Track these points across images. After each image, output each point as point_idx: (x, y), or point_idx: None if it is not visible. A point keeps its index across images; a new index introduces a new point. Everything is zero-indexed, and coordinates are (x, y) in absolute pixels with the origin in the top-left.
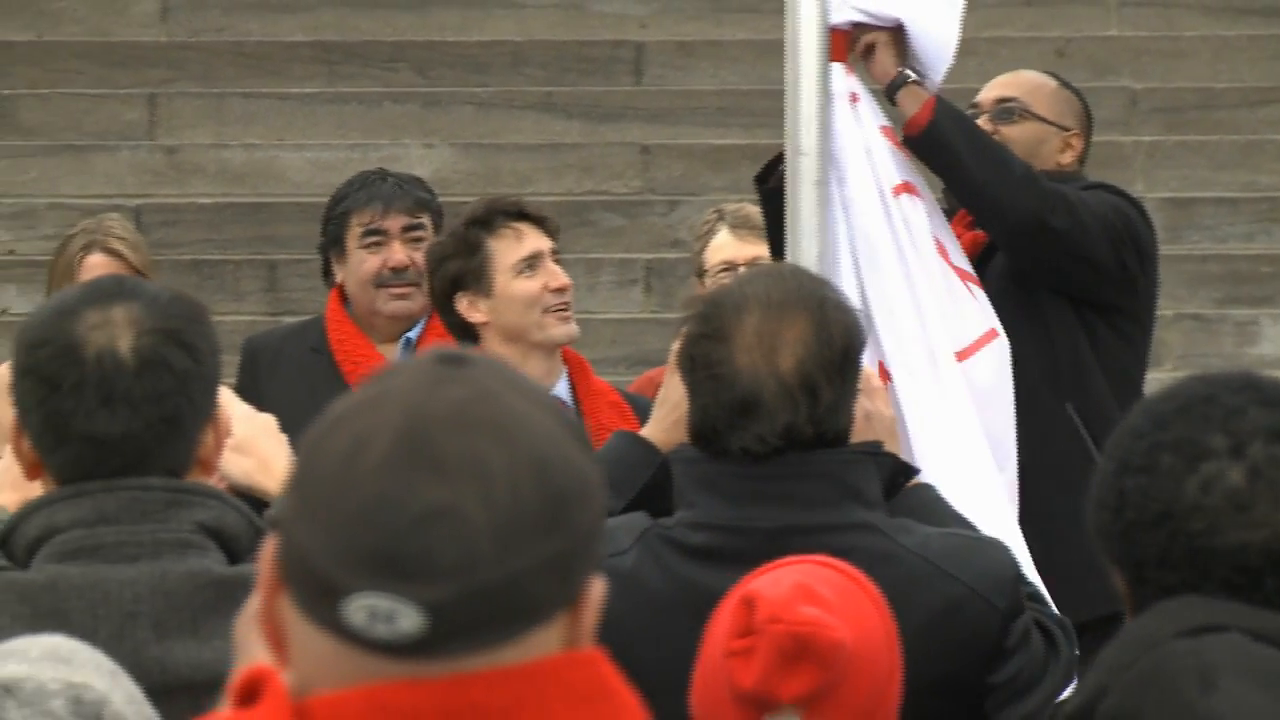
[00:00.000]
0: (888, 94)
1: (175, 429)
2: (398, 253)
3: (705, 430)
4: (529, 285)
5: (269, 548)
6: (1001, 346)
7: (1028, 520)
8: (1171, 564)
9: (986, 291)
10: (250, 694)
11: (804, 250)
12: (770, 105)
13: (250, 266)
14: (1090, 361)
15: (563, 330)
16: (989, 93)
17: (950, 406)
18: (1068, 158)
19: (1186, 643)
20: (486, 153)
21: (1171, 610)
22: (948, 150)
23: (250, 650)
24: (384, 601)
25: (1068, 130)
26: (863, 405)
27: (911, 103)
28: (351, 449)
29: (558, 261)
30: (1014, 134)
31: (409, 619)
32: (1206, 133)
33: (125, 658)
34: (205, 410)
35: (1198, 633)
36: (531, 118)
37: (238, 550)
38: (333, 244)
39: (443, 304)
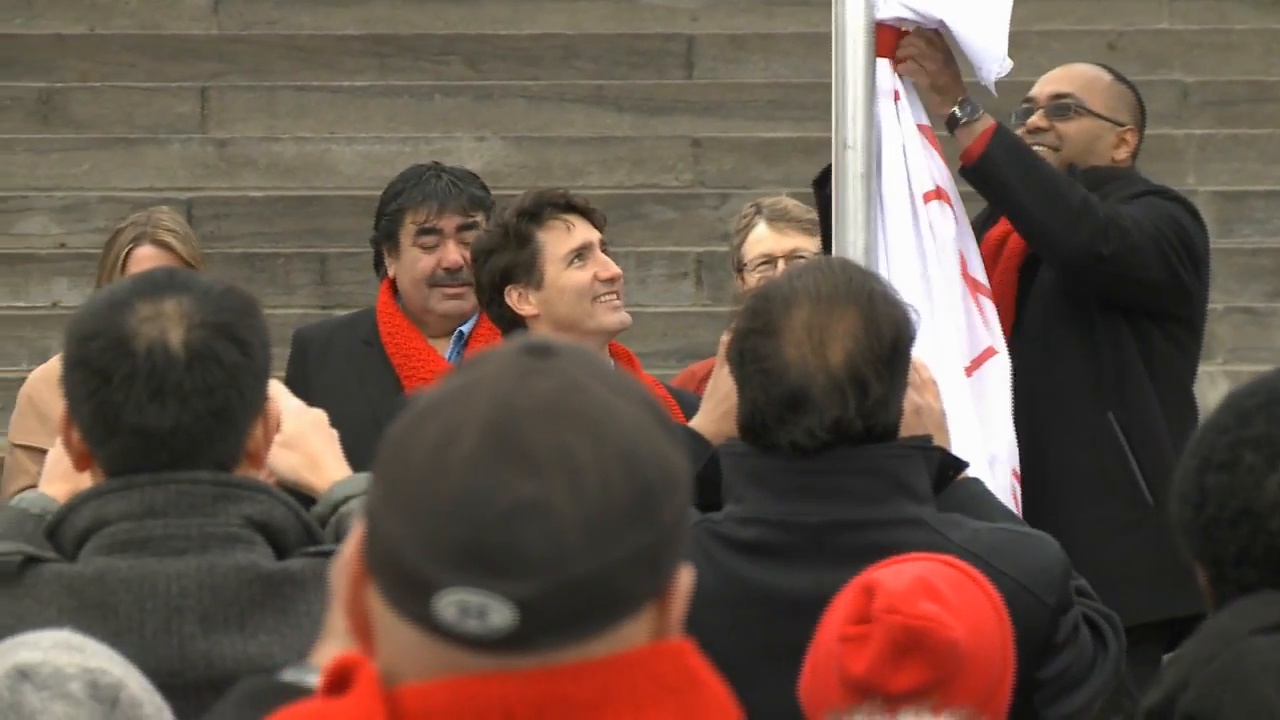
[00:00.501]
0: (946, 125)
1: (224, 422)
2: (452, 253)
3: (754, 424)
4: (580, 276)
5: (355, 538)
6: (1002, 363)
7: (1062, 529)
8: (1251, 561)
9: (1033, 299)
10: (342, 682)
11: (850, 243)
12: (821, 98)
13: (301, 260)
14: (1137, 370)
15: (615, 318)
16: (1044, 87)
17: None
18: (1122, 153)
19: (1264, 639)
20: (537, 146)
21: (1250, 607)
22: (1000, 183)
23: (338, 638)
24: (475, 597)
25: (1123, 125)
26: (913, 399)
27: (966, 135)
28: (440, 441)
29: (606, 253)
30: (1070, 130)
31: (500, 614)
32: (1258, 126)
33: (172, 651)
34: (255, 404)
35: (1276, 630)
36: (582, 111)
37: (285, 545)
38: (386, 239)
39: (491, 297)
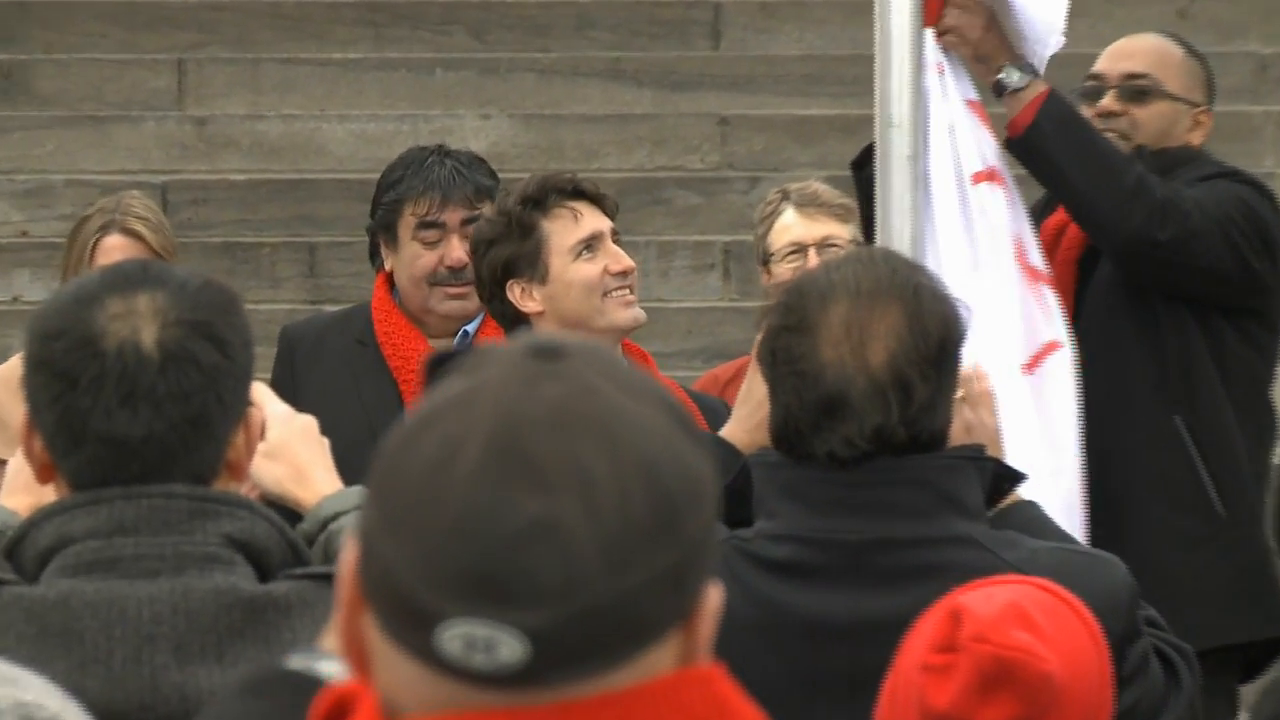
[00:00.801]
0: (994, 91)
1: (202, 431)
2: (456, 249)
3: (788, 432)
4: (588, 269)
5: (348, 559)
6: (1065, 358)
7: (1124, 544)
8: None
9: (1093, 291)
10: (339, 714)
11: (895, 231)
12: (861, 72)
13: (288, 250)
14: (1207, 370)
15: (628, 315)
16: (1114, 64)
17: (1013, 422)
18: (1197, 136)
19: None
20: (548, 124)
21: None
22: (1047, 158)
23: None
24: (481, 629)
25: (1198, 106)
26: (964, 415)
27: (1014, 104)
28: (439, 456)
29: (618, 243)
30: (1145, 116)
31: (509, 648)
32: None
33: (142, 683)
34: (236, 410)
35: None
36: (598, 85)
37: (268, 566)
38: (383, 229)
39: (492, 292)
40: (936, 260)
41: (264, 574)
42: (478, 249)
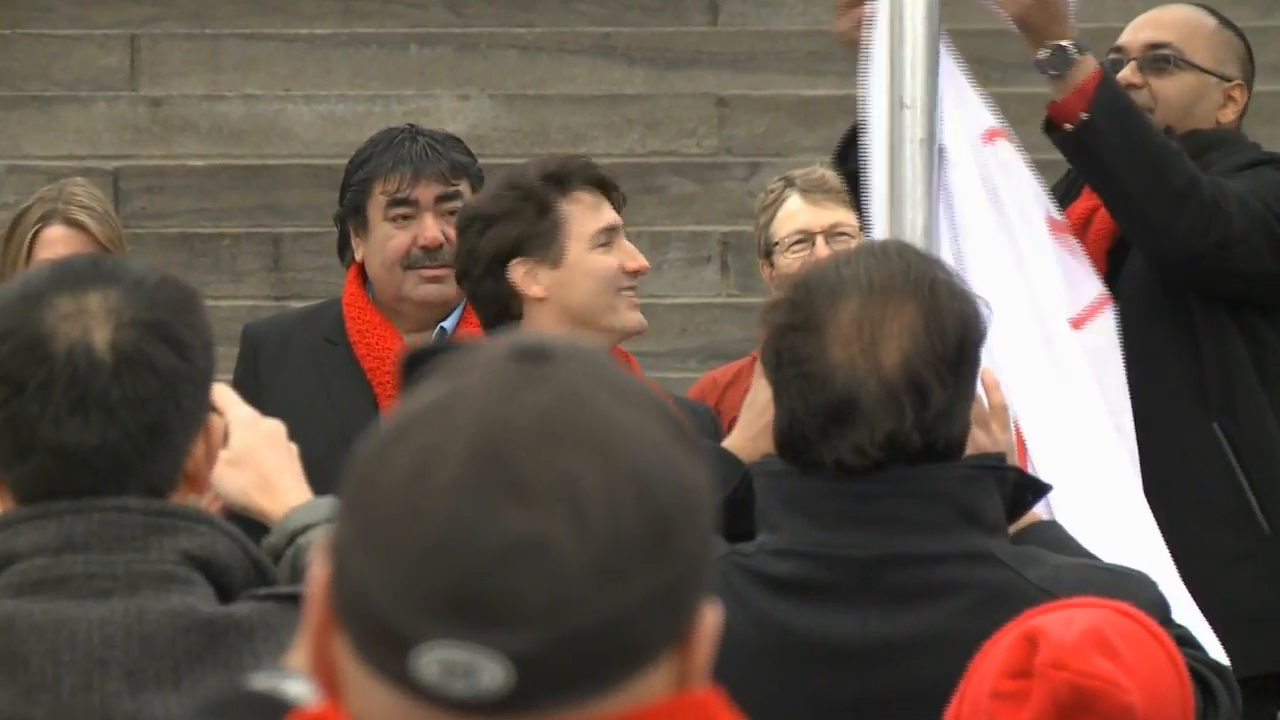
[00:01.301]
0: (1038, 68)
1: (159, 440)
2: (430, 228)
3: (793, 439)
4: (608, 261)
5: (319, 577)
6: (1112, 314)
7: None
8: None
9: (1125, 287)
10: None
11: (908, 220)
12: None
13: (250, 241)
14: (1247, 373)
15: (634, 318)
16: (1136, 34)
17: (1070, 388)
18: (1229, 113)
19: None
20: (532, 106)
21: None
22: (1099, 157)
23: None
24: (461, 654)
25: (1230, 81)
26: (976, 437)
27: (1060, 89)
28: (417, 468)
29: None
30: (1168, 88)
31: (491, 674)
32: None
33: (93, 712)
34: (195, 417)
35: None
36: (586, 64)
37: (229, 585)
38: (352, 214)
39: (486, 269)
40: (955, 227)
41: (225, 594)
42: (473, 223)
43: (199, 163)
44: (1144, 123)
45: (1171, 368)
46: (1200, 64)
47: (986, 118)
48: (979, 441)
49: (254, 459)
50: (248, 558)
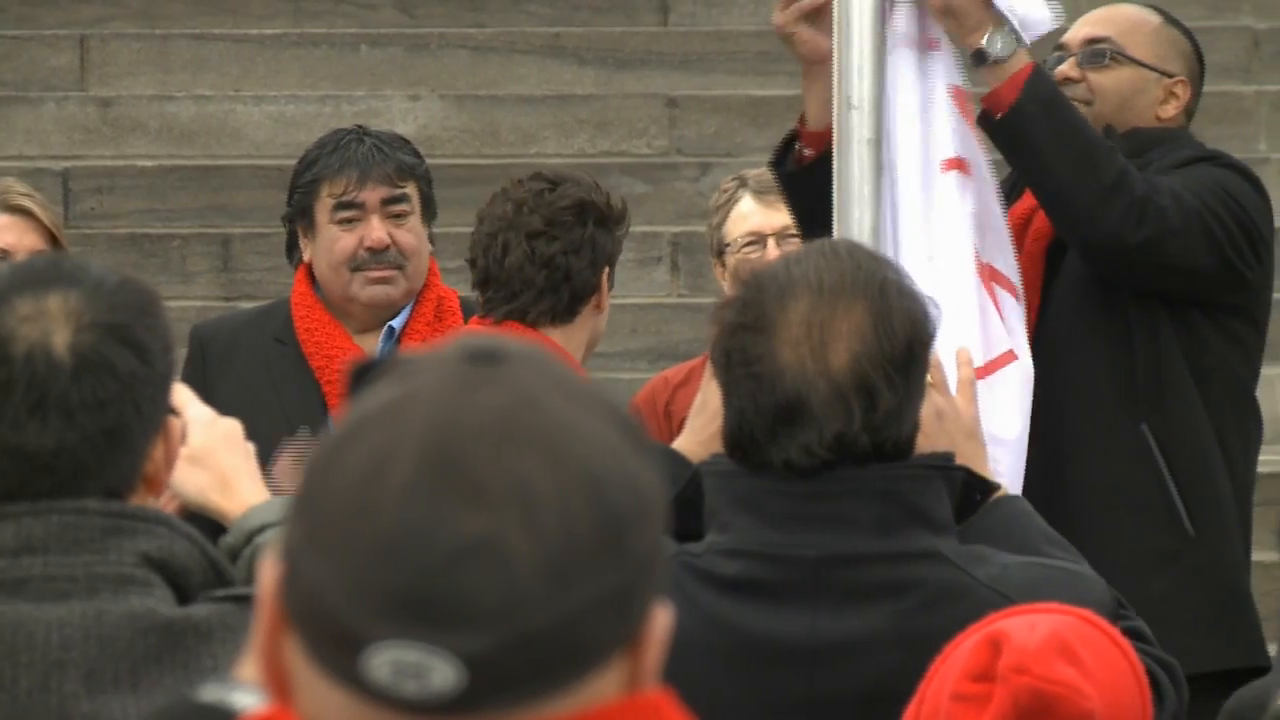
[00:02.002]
0: (973, 60)
1: (118, 443)
2: (376, 230)
3: (742, 439)
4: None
5: (269, 577)
6: (1022, 373)
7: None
8: None
9: (1060, 286)
10: None
11: (855, 221)
12: None
13: (200, 242)
14: (1180, 371)
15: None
16: (1077, 30)
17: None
18: (1170, 109)
19: None
20: (482, 106)
21: None
22: (1028, 144)
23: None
24: (413, 654)
25: (1171, 76)
26: (935, 401)
27: (993, 77)
28: (369, 469)
29: None
30: (1105, 82)
31: (442, 674)
32: None
33: (50, 714)
34: (154, 420)
35: None
36: (536, 64)
37: (188, 587)
38: (299, 216)
39: (592, 260)
40: (895, 250)
41: (183, 595)
42: (584, 215)
43: (149, 163)
44: (1074, 115)
45: (1102, 368)
46: (1139, 58)
47: (949, 145)
48: (939, 405)
49: (212, 458)
50: (205, 559)
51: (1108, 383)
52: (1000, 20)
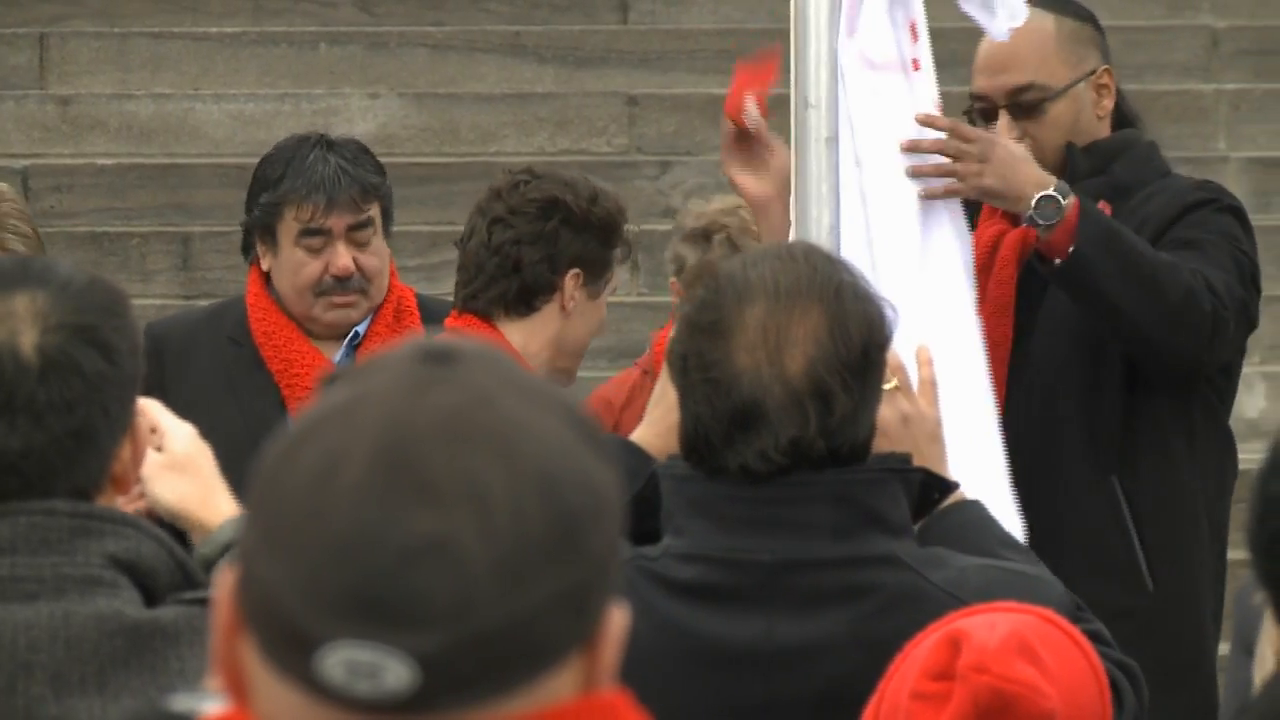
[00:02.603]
0: (1029, 223)
1: (86, 444)
2: (342, 257)
3: (698, 443)
4: (603, 310)
5: (225, 581)
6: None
7: None
8: None
9: (1040, 327)
10: None
11: (813, 220)
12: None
13: (159, 240)
14: (1157, 426)
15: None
16: (994, 80)
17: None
18: (1107, 101)
19: None
20: (442, 104)
21: None
22: (1092, 287)
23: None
24: (366, 654)
25: (1094, 73)
26: (900, 405)
27: (1048, 230)
28: (322, 469)
29: None
30: (1044, 127)
31: (396, 674)
32: None
33: (16, 716)
34: (121, 421)
35: None
36: (496, 62)
37: (155, 589)
38: (261, 230)
39: (545, 257)
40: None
41: (151, 597)
42: (550, 214)
43: (108, 161)
44: (1129, 241)
45: (1077, 417)
46: (1064, 85)
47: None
48: (903, 409)
49: (195, 468)
50: (173, 560)
51: (1082, 433)
52: (1044, 180)
